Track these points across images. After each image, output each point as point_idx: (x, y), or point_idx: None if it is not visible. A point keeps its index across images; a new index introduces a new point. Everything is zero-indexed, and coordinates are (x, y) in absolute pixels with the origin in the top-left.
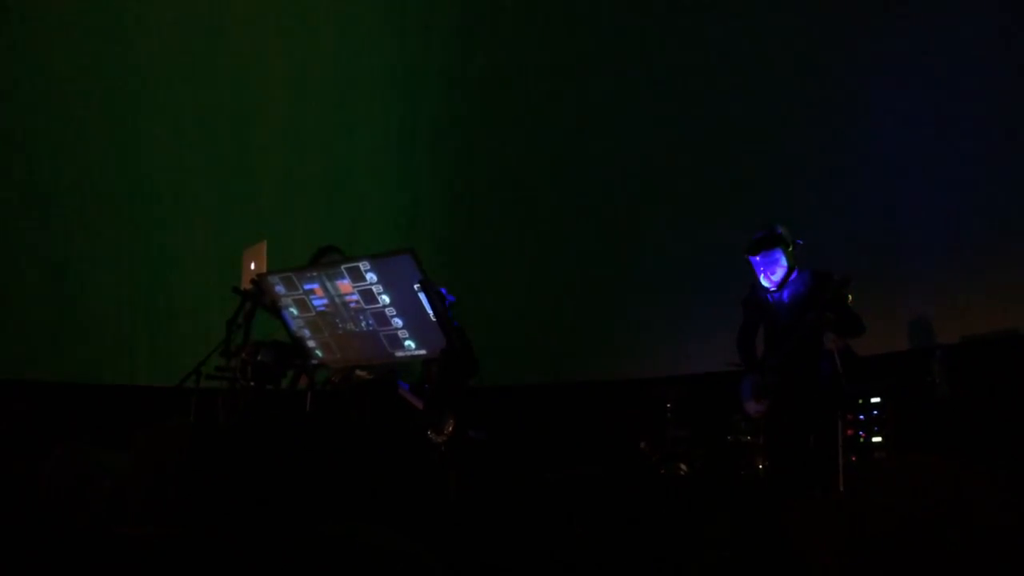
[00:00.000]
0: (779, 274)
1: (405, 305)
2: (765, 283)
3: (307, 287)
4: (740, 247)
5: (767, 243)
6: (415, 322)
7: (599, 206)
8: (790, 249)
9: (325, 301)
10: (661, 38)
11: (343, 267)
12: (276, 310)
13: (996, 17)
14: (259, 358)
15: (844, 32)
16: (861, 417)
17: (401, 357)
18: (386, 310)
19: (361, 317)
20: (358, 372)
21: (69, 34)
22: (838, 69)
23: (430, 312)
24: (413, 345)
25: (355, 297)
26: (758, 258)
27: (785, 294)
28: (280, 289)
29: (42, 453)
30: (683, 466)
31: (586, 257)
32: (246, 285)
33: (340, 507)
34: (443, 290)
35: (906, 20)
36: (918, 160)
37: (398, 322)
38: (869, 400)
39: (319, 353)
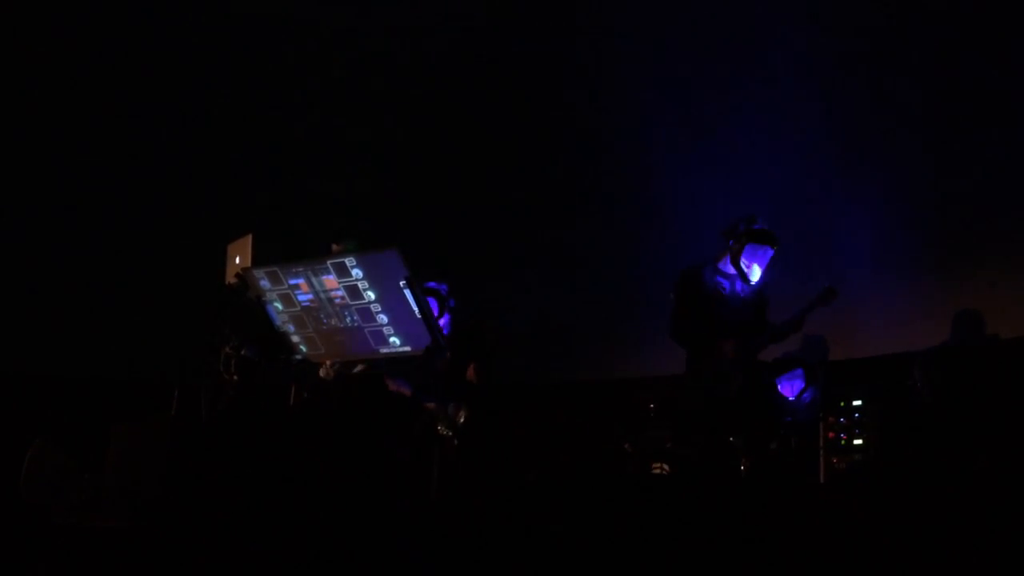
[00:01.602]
0: (758, 273)
1: (390, 301)
2: (751, 276)
3: (292, 282)
4: (735, 228)
5: (774, 240)
6: (400, 318)
7: (584, 208)
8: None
9: (310, 296)
10: (660, 40)
11: (329, 262)
12: (260, 305)
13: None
14: (242, 353)
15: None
16: (842, 420)
17: (386, 353)
18: (371, 306)
19: (346, 313)
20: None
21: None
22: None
23: (415, 309)
24: (398, 341)
25: (340, 293)
26: (767, 250)
27: (747, 290)
28: (265, 284)
29: (21, 447)
30: (666, 466)
31: (570, 258)
32: (230, 279)
33: (324, 502)
34: (444, 288)
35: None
36: (898, 161)
37: (383, 318)
38: (851, 403)
39: (303, 348)
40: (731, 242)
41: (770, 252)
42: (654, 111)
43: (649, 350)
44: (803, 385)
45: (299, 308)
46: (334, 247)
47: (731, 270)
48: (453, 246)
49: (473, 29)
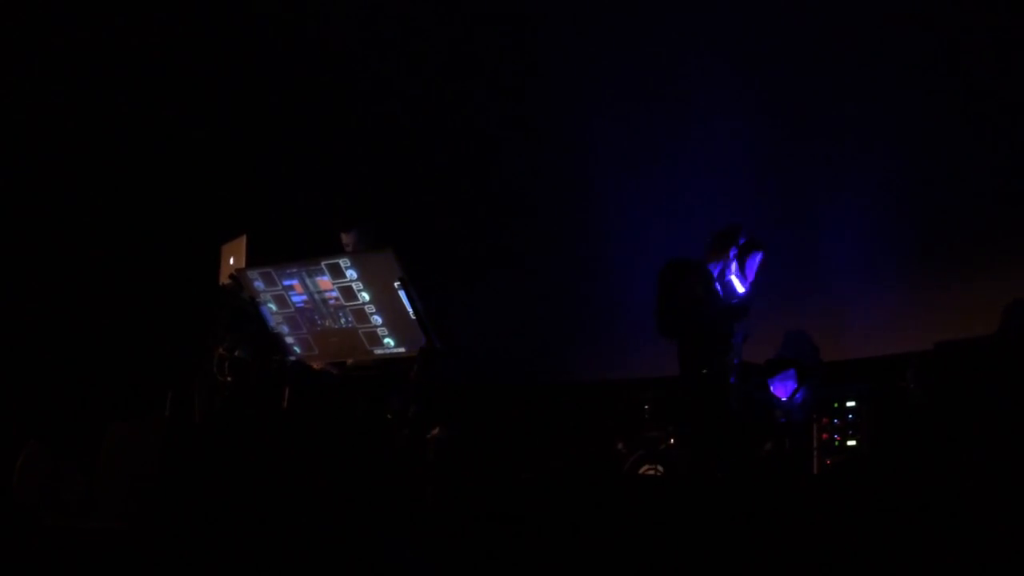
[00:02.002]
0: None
1: (385, 302)
2: (739, 285)
3: (286, 283)
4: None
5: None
6: (395, 320)
7: (578, 207)
8: None
9: (304, 297)
10: (631, 43)
11: (323, 263)
12: (254, 306)
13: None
14: (236, 354)
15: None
16: (836, 421)
17: (380, 355)
18: (365, 307)
19: (340, 314)
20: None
21: None
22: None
23: (410, 310)
24: (392, 343)
25: (334, 294)
26: (758, 259)
27: (732, 298)
28: (259, 285)
29: (14, 449)
30: (660, 467)
31: (564, 258)
32: (224, 280)
33: (318, 503)
34: None
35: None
36: (891, 161)
37: (377, 319)
38: (845, 405)
39: (297, 350)
40: (733, 250)
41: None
42: (646, 109)
43: (644, 352)
44: (795, 386)
45: (293, 309)
46: (343, 236)
47: (723, 276)
48: (448, 247)
49: (445, 37)
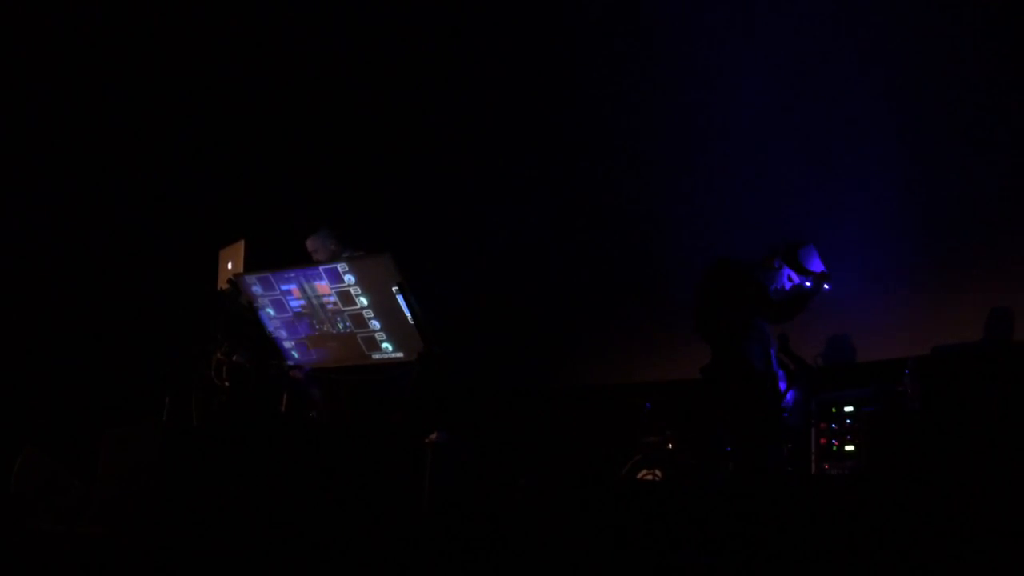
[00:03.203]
0: None
1: (383, 307)
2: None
3: (284, 288)
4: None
5: None
6: (393, 324)
7: (580, 213)
8: None
9: (302, 302)
10: (650, 49)
11: (321, 268)
12: (252, 310)
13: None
14: (234, 358)
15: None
16: (834, 426)
17: (378, 359)
18: (364, 312)
19: (338, 319)
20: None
21: None
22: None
23: (408, 315)
24: (390, 348)
25: (332, 299)
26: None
27: None
28: (257, 289)
29: (12, 453)
30: (659, 472)
31: (563, 263)
32: (222, 285)
33: (316, 507)
34: None
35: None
36: (887, 166)
37: (376, 324)
38: (843, 409)
39: (295, 354)
40: (796, 274)
41: None
42: (636, 119)
43: (644, 355)
44: (785, 386)
45: (291, 314)
46: (308, 243)
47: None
48: (448, 249)
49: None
